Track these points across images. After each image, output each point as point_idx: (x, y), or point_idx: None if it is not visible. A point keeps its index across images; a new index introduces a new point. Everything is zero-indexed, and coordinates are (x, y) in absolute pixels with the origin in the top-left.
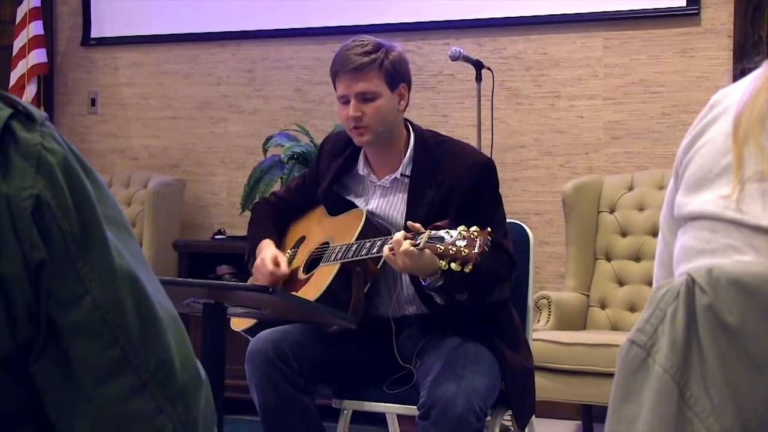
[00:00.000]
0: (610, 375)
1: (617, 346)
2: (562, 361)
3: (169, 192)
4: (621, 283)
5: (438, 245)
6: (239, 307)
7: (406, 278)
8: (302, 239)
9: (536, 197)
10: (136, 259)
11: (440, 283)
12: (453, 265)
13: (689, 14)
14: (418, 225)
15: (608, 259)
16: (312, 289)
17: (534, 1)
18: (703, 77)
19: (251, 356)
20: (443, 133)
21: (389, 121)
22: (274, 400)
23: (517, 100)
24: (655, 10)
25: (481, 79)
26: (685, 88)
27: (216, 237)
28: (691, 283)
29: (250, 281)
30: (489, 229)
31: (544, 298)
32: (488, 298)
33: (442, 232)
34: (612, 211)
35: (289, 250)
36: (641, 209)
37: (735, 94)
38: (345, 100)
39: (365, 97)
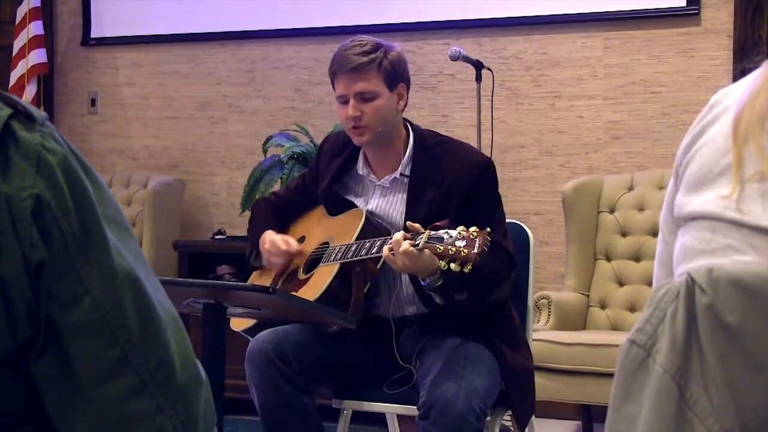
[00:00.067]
0: (610, 375)
1: (617, 346)
2: (561, 361)
3: (169, 192)
4: (621, 283)
5: (437, 245)
6: (239, 307)
7: (405, 278)
8: (302, 239)
9: (536, 197)
10: (136, 259)
11: (440, 283)
12: (452, 266)
13: (689, 14)
14: (417, 225)
15: (608, 259)
16: (312, 289)
17: (534, 1)
18: (703, 77)
19: (251, 356)
20: (443, 133)
21: (388, 121)
22: (274, 400)
23: (517, 100)
24: (655, 10)
25: (481, 79)
26: (685, 88)
27: (216, 237)
28: (691, 283)
29: (260, 271)
30: (488, 229)
31: (544, 298)
32: (488, 298)
33: (441, 233)
34: (612, 211)
35: None
36: (641, 209)
37: (735, 94)
38: (344, 100)
39: (364, 97)
